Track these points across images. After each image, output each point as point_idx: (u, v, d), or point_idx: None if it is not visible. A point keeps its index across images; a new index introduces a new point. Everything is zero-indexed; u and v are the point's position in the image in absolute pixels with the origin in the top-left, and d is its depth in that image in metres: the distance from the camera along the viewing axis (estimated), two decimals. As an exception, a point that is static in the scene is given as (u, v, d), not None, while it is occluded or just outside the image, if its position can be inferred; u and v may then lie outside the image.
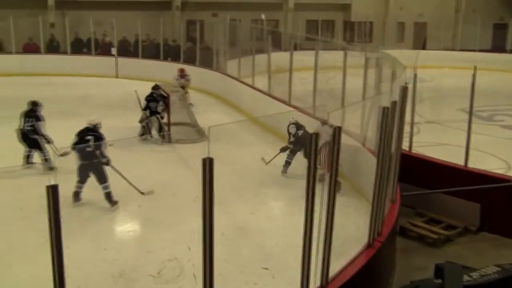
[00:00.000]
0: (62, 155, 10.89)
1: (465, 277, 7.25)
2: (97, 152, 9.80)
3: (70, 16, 26.44)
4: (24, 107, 11.94)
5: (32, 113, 11.91)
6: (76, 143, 9.95)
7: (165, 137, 14.06)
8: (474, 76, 10.60)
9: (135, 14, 26.53)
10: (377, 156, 7.62)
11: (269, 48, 17.60)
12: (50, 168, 11.19)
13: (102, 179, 9.78)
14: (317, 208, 5.76)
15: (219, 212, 5.04)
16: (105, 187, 9.77)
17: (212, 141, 5.03)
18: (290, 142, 11.83)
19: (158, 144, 14.00)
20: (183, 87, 17.19)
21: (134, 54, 25.57)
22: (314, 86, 14.29)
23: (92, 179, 9.79)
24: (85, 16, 25.43)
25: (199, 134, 14.46)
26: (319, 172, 10.81)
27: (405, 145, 10.92)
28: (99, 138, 10.10)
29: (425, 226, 10.46)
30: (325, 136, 9.71)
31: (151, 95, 14.44)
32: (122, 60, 24.75)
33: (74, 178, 9.68)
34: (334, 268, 6.44)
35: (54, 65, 23.84)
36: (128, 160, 11.40)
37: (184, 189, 10.31)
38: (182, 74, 17.96)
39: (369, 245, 7.40)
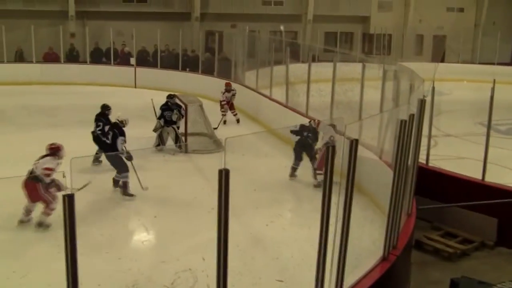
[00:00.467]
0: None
1: (481, 293, 7.20)
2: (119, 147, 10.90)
3: (90, 26, 26.71)
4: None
5: (101, 116, 12.59)
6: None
7: (181, 147, 14.10)
8: (493, 89, 10.54)
9: (155, 25, 26.69)
10: (393, 169, 7.58)
11: (287, 59, 17.62)
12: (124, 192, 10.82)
13: (118, 170, 10.76)
14: (332, 220, 5.74)
15: (234, 223, 5.04)
16: (123, 177, 10.67)
17: (229, 152, 5.03)
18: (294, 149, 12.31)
19: (172, 155, 14.04)
20: (229, 101, 17.67)
21: (153, 64, 25.73)
22: (332, 97, 14.27)
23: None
24: (105, 26, 25.67)
25: (216, 144, 14.50)
26: (321, 177, 11.14)
27: (422, 158, 10.87)
28: (119, 133, 11.08)
29: (441, 240, 10.40)
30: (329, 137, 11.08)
31: (166, 104, 14.50)
32: (140, 70, 24.91)
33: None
34: (348, 281, 6.40)
35: (74, 74, 24.08)
36: (144, 169, 11.43)
37: (200, 199, 10.33)
38: (229, 88, 18.00)
39: (384, 258, 7.36)
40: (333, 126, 11.69)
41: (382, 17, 33.12)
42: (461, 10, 35.16)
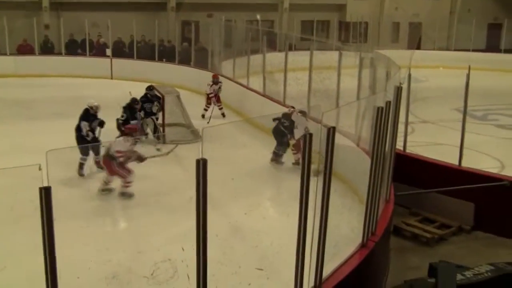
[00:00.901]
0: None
1: (459, 276, 7.27)
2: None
3: (64, 17, 26.43)
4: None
5: (128, 109, 13.37)
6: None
7: (160, 138, 14.04)
8: (468, 76, 10.62)
9: (130, 15, 26.49)
10: (371, 156, 7.63)
11: (264, 48, 17.61)
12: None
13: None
14: (311, 208, 5.76)
15: (213, 213, 5.04)
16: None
17: (206, 142, 5.03)
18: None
19: (151, 145, 13.97)
20: (216, 94, 17.20)
21: (129, 55, 25.53)
22: (309, 86, 14.29)
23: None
24: (80, 17, 25.42)
25: (193, 135, 14.46)
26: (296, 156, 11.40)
27: (399, 145, 10.95)
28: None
29: (419, 225, 10.48)
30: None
31: (145, 96, 14.42)
32: (116, 61, 24.70)
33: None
34: (328, 268, 6.44)
35: (49, 66, 23.80)
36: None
37: (178, 190, 10.29)
38: (216, 80, 17.49)
39: (363, 245, 7.41)
40: (303, 112, 11.85)
41: (358, 5, 33.17)
42: (437, -3, 35.35)
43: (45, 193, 4.37)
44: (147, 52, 25.38)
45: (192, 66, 23.23)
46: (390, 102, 7.79)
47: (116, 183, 10.45)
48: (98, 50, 25.85)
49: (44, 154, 4.50)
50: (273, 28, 30.90)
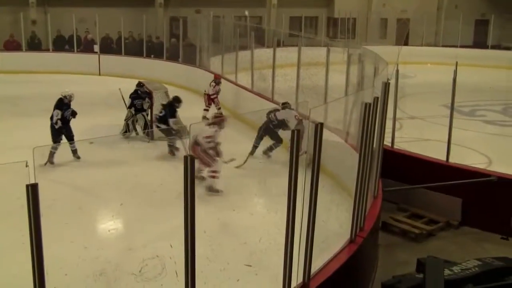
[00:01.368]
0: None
1: (447, 271, 7.30)
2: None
3: (51, 13, 26.26)
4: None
5: (169, 107, 13.34)
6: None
7: (149, 134, 14.01)
8: (455, 72, 10.65)
9: (118, 11, 26.34)
10: (359, 151, 7.64)
11: (252, 44, 17.59)
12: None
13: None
14: (299, 204, 5.75)
15: (201, 209, 5.02)
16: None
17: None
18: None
19: (142, 142, 13.97)
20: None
21: (117, 51, 25.48)
22: (297, 82, 14.30)
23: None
24: (67, 13, 25.31)
25: (182, 131, 14.41)
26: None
27: (387, 141, 10.97)
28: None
29: (407, 221, 10.51)
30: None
31: (135, 92, 14.37)
32: (104, 57, 24.65)
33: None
34: (316, 264, 6.44)
35: (36, 63, 23.70)
36: (110, 157, 11.35)
37: (166, 186, 10.27)
38: (218, 81, 16.93)
39: (351, 241, 7.42)
40: (286, 104, 11.99)
41: (346, 1, 33.14)
42: (424, -7, 35.44)
43: (32, 190, 4.33)
44: (135, 48, 25.31)
45: (180, 62, 23.18)
46: (378, 98, 7.81)
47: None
48: (85, 46, 25.78)
49: (31, 151, 4.47)
50: (261, 24, 30.88)
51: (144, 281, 7.25)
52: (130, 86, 14.60)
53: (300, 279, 6.19)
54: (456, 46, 28.69)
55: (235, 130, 14.51)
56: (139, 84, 14.59)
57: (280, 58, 15.67)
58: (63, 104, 12.27)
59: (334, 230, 7.87)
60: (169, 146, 12.72)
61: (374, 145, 8.28)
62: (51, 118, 12.20)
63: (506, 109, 18.92)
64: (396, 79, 11.17)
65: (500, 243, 9.91)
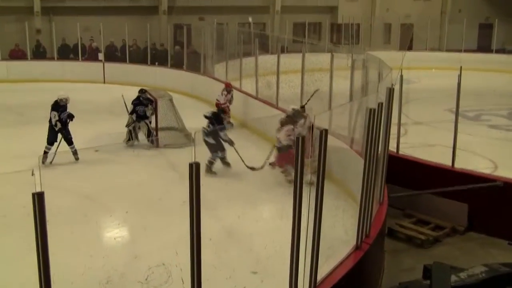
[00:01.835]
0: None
1: (453, 278, 7.26)
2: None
3: (56, 22, 26.34)
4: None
5: (215, 118, 12.88)
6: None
7: (153, 142, 14.03)
8: (460, 76, 10.63)
9: (122, 19, 26.41)
10: (364, 157, 7.63)
11: (256, 51, 17.60)
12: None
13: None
14: (304, 210, 5.75)
15: (206, 216, 5.02)
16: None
17: (199, 145, 5.01)
18: None
19: (144, 149, 13.96)
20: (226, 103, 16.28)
21: (121, 59, 25.54)
22: (301, 88, 14.30)
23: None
24: (72, 22, 25.36)
25: (187, 138, 14.43)
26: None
27: (392, 146, 10.94)
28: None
29: (413, 227, 10.48)
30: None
31: (137, 99, 14.38)
32: (109, 65, 24.70)
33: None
34: (322, 271, 6.43)
35: (41, 71, 23.76)
36: (115, 165, 11.36)
37: (171, 194, 10.27)
38: (230, 89, 16.59)
39: (357, 247, 7.40)
40: (295, 110, 11.93)
41: (349, 6, 33.22)
42: (427, -2, 35.49)
43: (38, 199, 4.34)
44: (140, 56, 25.39)
45: (185, 70, 23.22)
46: (382, 103, 7.79)
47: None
48: (90, 55, 25.85)
49: (36, 159, 4.48)
50: (265, 31, 30.95)
51: (150, 288, 7.25)
52: (134, 93, 14.61)
53: (306, 286, 6.18)
54: (460, 51, 28.67)
55: (241, 137, 14.50)
56: (142, 91, 14.60)
57: (284, 64, 15.67)
58: (59, 106, 12.64)
59: (340, 236, 7.85)
60: (209, 162, 11.74)
61: (379, 151, 8.26)
62: (50, 120, 12.64)
63: (511, 113, 18.86)
64: (401, 84, 11.16)
65: (507, 248, 9.86)
